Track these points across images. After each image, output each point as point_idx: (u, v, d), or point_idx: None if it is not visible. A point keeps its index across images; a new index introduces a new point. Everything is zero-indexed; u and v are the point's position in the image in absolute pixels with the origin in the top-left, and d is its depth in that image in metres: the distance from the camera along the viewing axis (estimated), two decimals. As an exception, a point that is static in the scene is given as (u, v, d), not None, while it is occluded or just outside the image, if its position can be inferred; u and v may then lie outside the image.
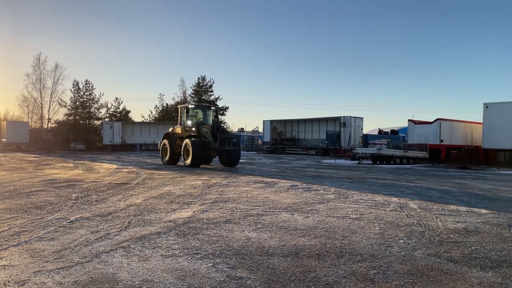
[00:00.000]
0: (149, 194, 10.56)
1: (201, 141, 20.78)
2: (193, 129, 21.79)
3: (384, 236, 6.27)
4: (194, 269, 4.56)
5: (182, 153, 21.37)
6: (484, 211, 8.83)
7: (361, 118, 44.03)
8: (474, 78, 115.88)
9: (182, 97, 69.52)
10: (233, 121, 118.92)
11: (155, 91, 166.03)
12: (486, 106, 28.74)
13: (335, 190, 11.87)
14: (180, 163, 22.64)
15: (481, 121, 29.47)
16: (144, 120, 64.29)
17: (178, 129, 22.95)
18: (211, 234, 6.22)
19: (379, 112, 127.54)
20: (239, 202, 9.33)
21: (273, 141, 50.00)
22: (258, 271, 4.52)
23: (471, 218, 7.86)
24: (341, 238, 6.12)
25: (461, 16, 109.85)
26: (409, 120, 32.38)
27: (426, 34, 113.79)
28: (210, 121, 22.56)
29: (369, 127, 63.80)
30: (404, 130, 39.79)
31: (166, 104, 69.69)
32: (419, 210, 8.66)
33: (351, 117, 42.47)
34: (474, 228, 6.95)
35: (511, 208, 9.30)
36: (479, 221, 7.63)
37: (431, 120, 30.93)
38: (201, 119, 22.59)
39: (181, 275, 4.38)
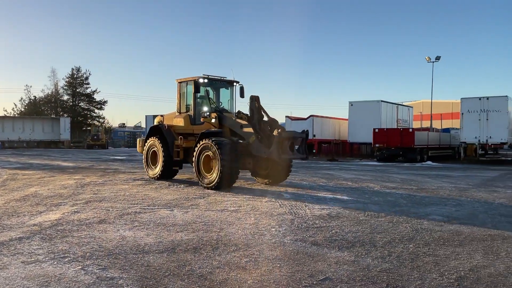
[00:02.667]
0: (10, 197, 9.49)
1: (236, 143, 11.31)
2: (214, 120, 11.96)
3: (258, 226, 6.63)
4: (60, 274, 4.28)
5: (195, 163, 11.50)
6: (346, 197, 9.90)
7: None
8: (340, 77, 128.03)
9: (54, 89, 63.71)
10: (113, 116, 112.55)
11: (20, 82, 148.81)
12: (351, 104, 32.01)
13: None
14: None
15: (347, 118, 32.75)
16: (7, 114, 57.22)
17: (178, 120, 13.11)
18: (82, 236, 5.88)
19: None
20: (116, 201, 8.94)
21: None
22: (132, 270, 4.42)
23: (334, 205, 8.74)
24: (218, 230, 6.31)
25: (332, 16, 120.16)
26: (286, 117, 34.46)
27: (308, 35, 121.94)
28: (232, 108, 13.26)
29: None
30: (283, 125, 42.18)
31: (34, 96, 63.13)
32: (292, 200, 9.35)
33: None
34: (336, 214, 7.75)
35: (367, 194, 10.58)
36: (341, 207, 8.54)
37: (306, 117, 33.38)
38: (215, 105, 13.03)
39: (45, 281, 4.07)
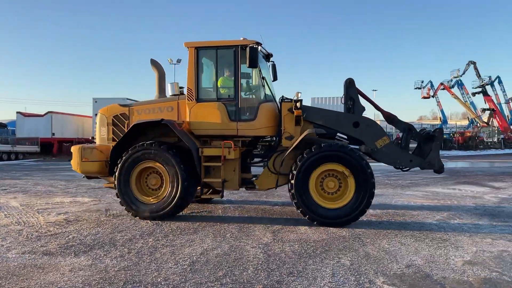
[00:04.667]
0: None
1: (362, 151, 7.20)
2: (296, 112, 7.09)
3: (-27, 243, 5.47)
4: None
5: (296, 187, 6.53)
6: (87, 199, 9.36)
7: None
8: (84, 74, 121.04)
9: None
10: None
11: None
12: (95, 101, 30.60)
13: None
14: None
15: (91, 115, 31.15)
16: None
17: (204, 113, 7.16)
18: None
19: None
20: None
21: None
22: None
23: (74, 208, 8.13)
24: None
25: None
26: (17, 113, 30.00)
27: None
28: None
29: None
30: (13, 123, 36.40)
31: None
32: (21, 208, 8.16)
33: None
34: (75, 217, 7.22)
35: (111, 193, 10.31)
36: (81, 209, 8.01)
37: (43, 113, 29.91)
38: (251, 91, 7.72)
39: None
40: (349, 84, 7.40)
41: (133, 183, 6.99)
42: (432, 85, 47.06)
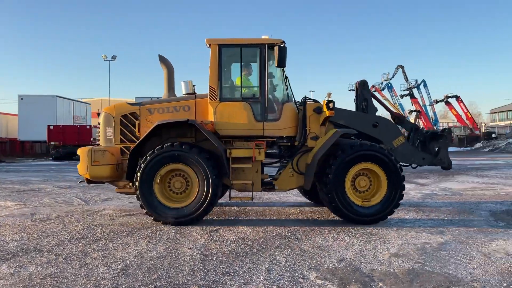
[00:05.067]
0: None
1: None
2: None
3: None
4: None
5: (336, 186, 6.57)
6: (10, 203, 8.71)
7: None
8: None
9: None
10: None
11: None
12: (21, 98, 28.62)
13: None
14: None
15: (17, 113, 29.08)
16: None
17: (229, 112, 6.91)
18: None
19: None
20: None
21: None
22: None
23: (-6, 213, 7.53)
24: None
25: None
26: None
27: None
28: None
29: None
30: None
31: None
32: None
33: None
34: (-4, 223, 6.69)
35: (38, 197, 9.69)
36: (3, 214, 7.44)
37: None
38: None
39: None
40: (363, 86, 7.72)
41: (157, 187, 6.51)
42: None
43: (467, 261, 4.67)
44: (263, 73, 6.88)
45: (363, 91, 7.71)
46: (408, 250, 5.11)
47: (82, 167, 6.83)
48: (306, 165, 6.94)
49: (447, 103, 47.79)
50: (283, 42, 6.84)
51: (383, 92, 48.94)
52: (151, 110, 7.08)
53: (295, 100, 7.31)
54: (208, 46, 6.95)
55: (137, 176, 6.45)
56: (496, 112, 74.12)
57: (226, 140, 6.95)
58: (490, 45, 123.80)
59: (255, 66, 7.19)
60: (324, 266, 4.50)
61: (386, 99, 48.87)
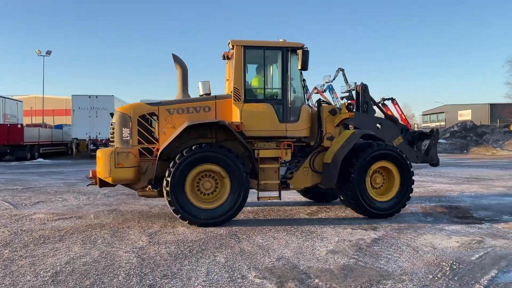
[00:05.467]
0: None
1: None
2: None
3: None
4: None
5: (357, 184, 6.96)
6: None
7: None
8: None
9: None
10: None
11: None
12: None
13: None
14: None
15: None
16: None
17: (253, 114, 6.91)
18: None
19: None
20: None
21: None
22: None
23: None
24: None
25: None
26: None
27: None
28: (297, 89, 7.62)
29: None
30: None
31: None
32: None
33: None
34: None
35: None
36: None
37: None
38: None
39: None
40: (364, 90, 8.45)
41: (188, 188, 6.31)
42: (307, 89, 50.61)
43: (397, 255, 4.92)
44: (285, 75, 7.05)
45: (364, 95, 8.45)
46: (343, 247, 5.29)
47: (104, 170, 6.46)
48: (323, 164, 7.25)
49: (384, 105, 50.22)
50: (305, 46, 7.02)
51: (324, 94, 50.45)
52: (171, 111, 6.89)
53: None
54: (231, 47, 7.02)
55: (167, 181, 6.27)
56: (428, 114, 78.91)
57: (248, 140, 6.94)
58: (423, 51, 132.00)
59: (273, 68, 7.61)
60: (263, 265, 4.55)
61: (327, 100, 50.48)
